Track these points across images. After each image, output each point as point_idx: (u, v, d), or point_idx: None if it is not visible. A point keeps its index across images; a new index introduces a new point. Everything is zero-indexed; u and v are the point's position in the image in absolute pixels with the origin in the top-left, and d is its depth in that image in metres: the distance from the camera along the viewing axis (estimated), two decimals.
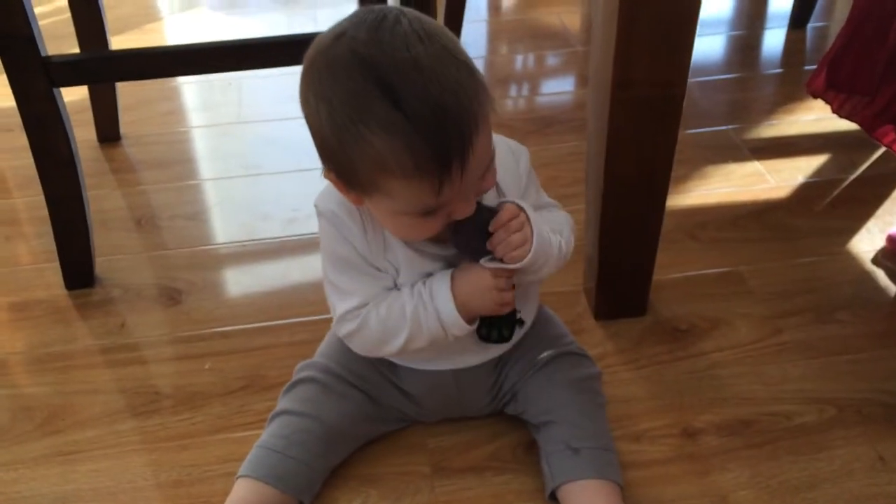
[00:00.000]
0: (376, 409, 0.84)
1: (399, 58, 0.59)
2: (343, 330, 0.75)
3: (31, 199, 1.24)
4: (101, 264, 1.11)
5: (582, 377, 0.83)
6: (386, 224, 0.69)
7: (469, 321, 0.72)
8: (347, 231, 0.72)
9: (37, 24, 0.92)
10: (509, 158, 0.75)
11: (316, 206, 0.74)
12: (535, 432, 0.83)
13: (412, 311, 0.71)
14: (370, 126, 0.59)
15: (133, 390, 0.94)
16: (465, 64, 0.62)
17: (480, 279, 0.70)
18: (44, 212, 1.03)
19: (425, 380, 0.83)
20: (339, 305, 0.74)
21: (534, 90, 1.59)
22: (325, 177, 0.68)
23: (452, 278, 0.71)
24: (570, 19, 1.78)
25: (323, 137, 0.63)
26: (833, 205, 1.20)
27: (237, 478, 0.77)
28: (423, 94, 0.58)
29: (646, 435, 0.86)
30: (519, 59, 1.69)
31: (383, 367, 0.83)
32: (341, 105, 0.60)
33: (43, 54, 0.92)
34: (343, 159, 0.63)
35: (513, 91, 1.57)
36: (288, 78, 1.63)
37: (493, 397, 0.85)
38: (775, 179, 1.25)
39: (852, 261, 1.09)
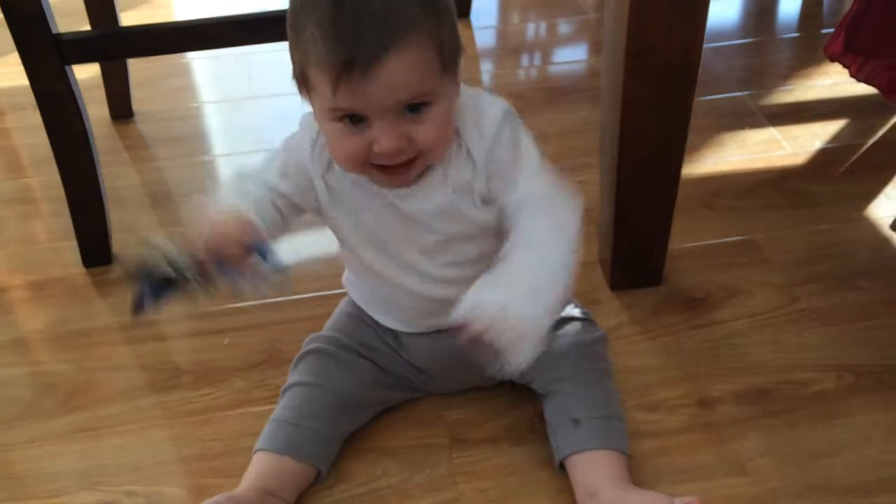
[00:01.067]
0: (385, 376, 0.84)
1: None
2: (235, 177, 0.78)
3: (46, 178, 1.25)
4: (117, 241, 1.11)
5: (584, 342, 0.82)
6: (324, 135, 0.70)
7: None
8: (303, 139, 0.74)
9: (47, 2, 0.91)
10: (473, 118, 0.71)
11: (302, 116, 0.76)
12: (543, 401, 0.83)
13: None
14: (309, 18, 0.62)
15: (153, 366, 0.95)
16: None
17: (219, 221, 0.68)
18: (59, 191, 1.04)
19: (427, 349, 0.83)
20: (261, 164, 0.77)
21: (546, 59, 1.57)
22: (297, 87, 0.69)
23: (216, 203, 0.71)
24: None
25: (289, 39, 0.66)
26: (851, 170, 1.18)
27: (254, 451, 0.79)
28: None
29: (662, 405, 0.86)
30: (531, 27, 1.67)
31: (388, 338, 0.84)
32: (300, 3, 0.64)
33: (54, 31, 0.92)
34: (294, 53, 0.66)
35: (525, 61, 1.55)
36: None
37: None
38: (791, 146, 1.23)
39: (870, 227, 1.08)
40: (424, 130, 0.65)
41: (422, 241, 0.75)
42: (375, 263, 0.77)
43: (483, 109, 0.71)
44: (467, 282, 0.68)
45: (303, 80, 0.66)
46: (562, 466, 0.78)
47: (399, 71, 0.61)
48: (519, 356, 0.61)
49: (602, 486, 0.74)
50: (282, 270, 0.69)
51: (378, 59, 0.60)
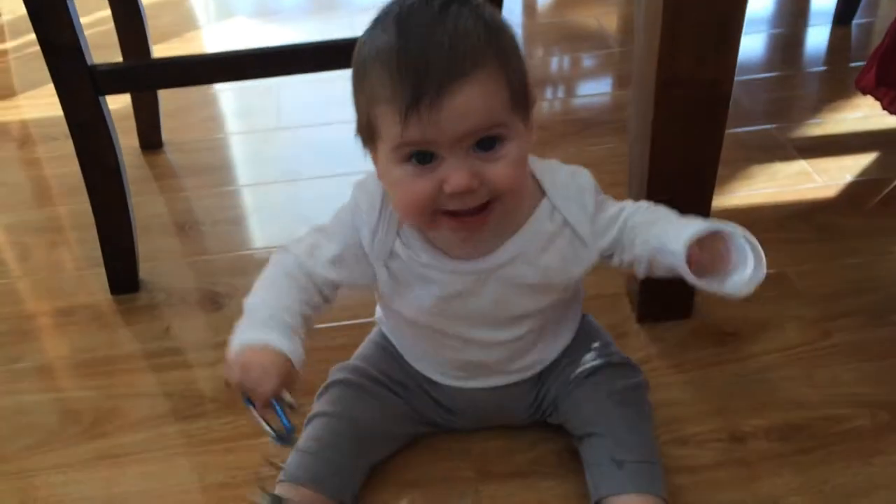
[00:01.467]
0: (412, 412, 0.83)
1: (429, 9, 0.61)
2: (279, 252, 0.76)
3: (74, 207, 1.26)
4: (144, 269, 1.12)
5: (626, 387, 0.81)
6: (388, 188, 0.69)
7: None
8: (360, 220, 0.72)
9: (83, 34, 0.93)
10: (569, 189, 0.72)
11: (354, 184, 0.75)
12: (577, 443, 0.81)
13: (250, 304, 0.72)
14: (375, 58, 0.62)
15: (178, 394, 0.94)
16: (491, 24, 0.62)
17: (256, 363, 0.67)
18: (87, 218, 1.05)
19: (463, 396, 0.82)
20: (303, 251, 0.74)
21: (570, 92, 1.58)
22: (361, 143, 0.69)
23: (252, 341, 0.68)
24: (606, 20, 1.77)
25: (353, 89, 0.66)
26: (883, 204, 1.17)
27: (277, 482, 0.77)
28: (423, 30, 0.60)
29: (693, 439, 0.85)
30: (555, 61, 1.68)
31: (421, 380, 0.83)
32: (363, 47, 0.64)
33: (89, 63, 0.94)
34: (357, 102, 0.66)
35: (549, 93, 1.56)
36: (325, 83, 1.64)
37: (534, 410, 0.84)
38: (822, 179, 1.22)
39: None
40: (496, 168, 0.63)
41: (496, 316, 0.74)
42: (431, 330, 0.77)
43: (577, 179, 0.73)
44: (521, 341, 0.77)
45: (368, 127, 0.65)
46: None
47: (470, 98, 0.60)
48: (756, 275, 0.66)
49: None
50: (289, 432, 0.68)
51: (448, 87, 0.59)
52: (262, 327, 0.69)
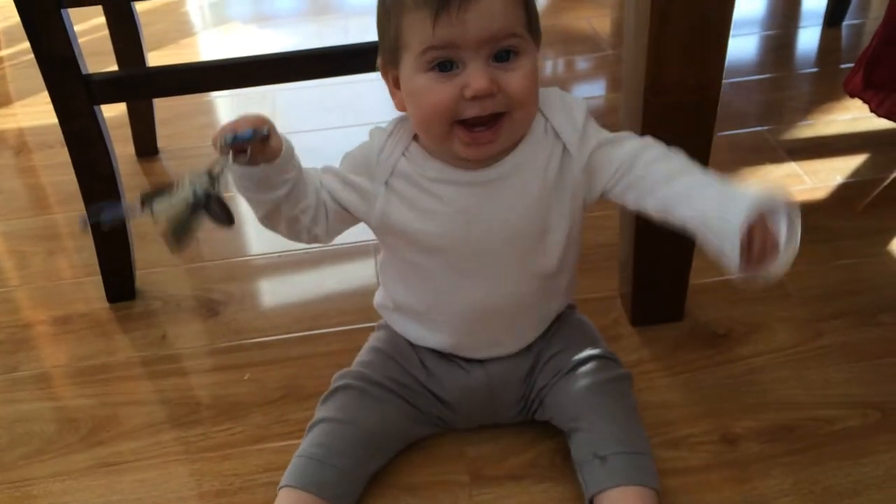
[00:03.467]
0: (414, 412, 0.84)
1: None
2: None
3: (71, 215, 1.27)
4: (140, 277, 1.13)
5: (607, 379, 0.82)
6: (409, 104, 0.71)
7: None
8: (369, 147, 0.76)
9: (77, 43, 0.94)
10: (560, 104, 0.76)
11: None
12: (567, 439, 0.82)
13: None
14: None
15: (175, 401, 0.95)
16: None
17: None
18: None
19: (459, 384, 0.83)
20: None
21: None
22: (380, 71, 0.74)
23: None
24: (600, 23, 1.78)
25: (378, 17, 0.72)
26: (872, 205, 1.18)
27: (280, 488, 0.78)
28: None
29: (685, 441, 0.86)
30: (549, 64, 1.69)
31: (417, 372, 0.84)
32: None
33: (84, 72, 0.94)
34: (383, 25, 0.71)
35: None
36: (321, 90, 1.65)
37: (524, 404, 0.85)
38: (812, 180, 1.23)
39: (893, 262, 1.07)
40: (514, 78, 0.68)
41: (505, 232, 0.75)
42: (440, 268, 0.77)
43: (571, 99, 0.76)
44: (533, 296, 0.79)
45: (395, 43, 0.69)
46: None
47: (494, 8, 0.66)
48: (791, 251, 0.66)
49: None
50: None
51: None
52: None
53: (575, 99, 0.77)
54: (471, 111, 0.68)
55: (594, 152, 0.75)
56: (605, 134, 0.77)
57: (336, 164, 0.79)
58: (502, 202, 0.75)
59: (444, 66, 0.68)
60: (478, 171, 0.74)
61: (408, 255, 0.78)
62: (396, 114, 0.77)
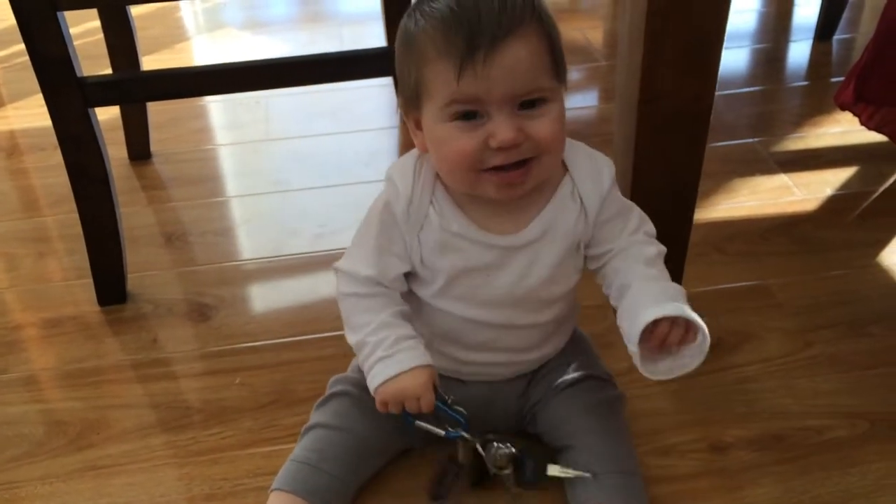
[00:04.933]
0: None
1: None
2: (337, 279, 0.78)
3: (62, 217, 1.27)
4: (132, 280, 1.13)
5: (602, 401, 0.82)
6: (432, 151, 0.70)
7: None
8: (395, 195, 0.73)
9: (72, 46, 0.94)
10: (589, 165, 0.75)
11: (386, 172, 0.77)
12: (556, 456, 0.82)
13: (357, 341, 0.75)
14: (426, 21, 0.66)
15: (165, 405, 0.95)
16: None
17: (408, 390, 0.73)
18: (75, 229, 1.05)
19: (457, 395, 0.82)
20: (347, 260, 0.77)
21: None
22: (401, 110, 0.73)
23: (392, 375, 0.72)
24: (593, 34, 1.79)
25: (397, 58, 0.70)
26: (862, 217, 1.19)
27: (271, 491, 0.78)
28: None
29: (674, 449, 0.86)
30: None
31: None
32: (411, 17, 0.69)
33: (79, 75, 0.94)
34: (403, 70, 0.69)
35: None
36: (314, 95, 1.66)
37: (518, 416, 0.85)
38: (803, 192, 1.24)
39: (883, 273, 1.08)
40: (540, 125, 0.67)
41: (522, 290, 0.75)
42: (449, 310, 0.77)
43: (599, 162, 0.75)
44: (538, 336, 0.80)
45: (415, 90, 0.68)
46: None
47: (521, 55, 0.64)
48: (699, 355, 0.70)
49: None
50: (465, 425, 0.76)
51: (501, 41, 0.63)
52: (387, 358, 0.73)
53: (604, 160, 0.76)
54: (496, 160, 0.67)
55: (604, 223, 0.76)
56: (621, 206, 0.77)
57: (329, 170, 0.78)
58: (527, 264, 0.75)
59: (469, 115, 0.66)
60: (505, 236, 0.73)
61: (428, 298, 0.78)
62: (385, 124, 0.77)
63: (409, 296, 0.79)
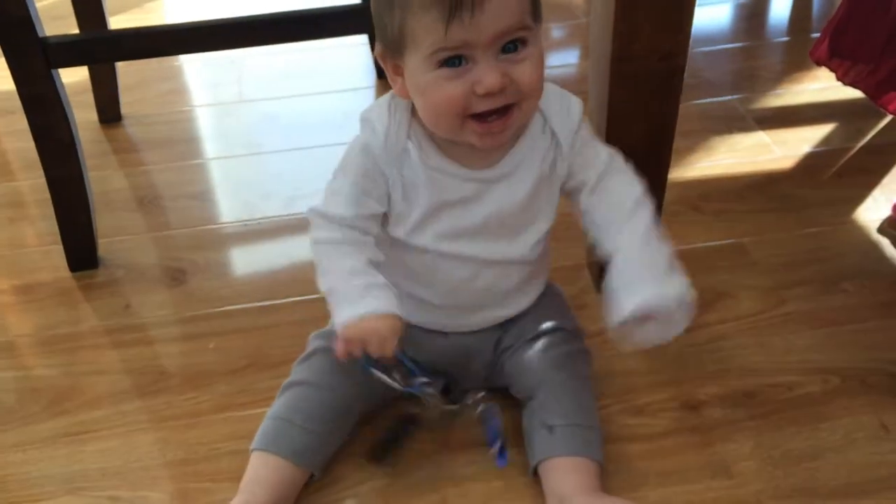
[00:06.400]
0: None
1: None
2: (312, 224, 0.77)
3: (34, 182, 1.24)
4: (104, 245, 1.11)
5: (564, 353, 0.82)
6: (416, 97, 0.70)
7: None
8: (371, 134, 0.74)
9: (34, 5, 0.91)
10: (558, 101, 0.76)
11: (360, 114, 0.77)
12: (521, 409, 0.83)
13: (328, 287, 0.75)
14: None
15: (139, 370, 0.94)
16: None
17: (372, 331, 0.72)
18: (47, 194, 1.04)
19: (436, 349, 0.83)
20: (323, 203, 0.76)
21: None
22: (377, 57, 0.73)
23: (359, 314, 0.72)
24: None
25: (377, 4, 0.70)
26: (839, 174, 1.19)
27: (251, 451, 0.78)
28: None
29: (647, 408, 0.86)
30: None
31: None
32: None
33: (40, 35, 0.92)
34: (384, 17, 0.69)
35: None
36: (289, 55, 1.63)
37: (492, 367, 0.86)
38: (781, 150, 1.24)
39: (858, 230, 1.08)
40: (524, 69, 0.67)
41: (497, 221, 0.76)
42: (427, 247, 0.77)
43: (568, 99, 0.77)
44: (515, 278, 0.81)
45: (398, 39, 0.68)
46: (536, 473, 0.78)
47: (503, 5, 0.65)
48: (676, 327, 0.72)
49: (571, 494, 0.74)
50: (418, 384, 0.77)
51: None
52: (356, 300, 0.72)
53: (573, 98, 0.77)
54: (482, 106, 0.68)
55: (577, 154, 0.77)
56: (590, 138, 0.78)
57: (303, 132, 0.78)
58: (500, 196, 0.75)
59: (453, 61, 0.66)
60: (480, 170, 0.75)
61: (405, 237, 0.78)
62: (360, 85, 0.76)
63: (383, 241, 0.79)
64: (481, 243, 0.77)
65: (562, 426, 0.77)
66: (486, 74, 0.66)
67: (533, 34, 0.68)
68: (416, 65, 0.68)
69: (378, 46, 0.72)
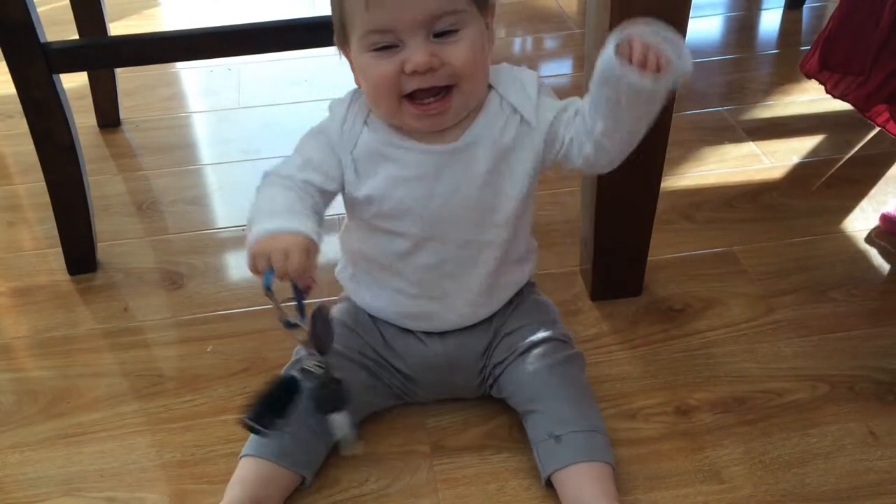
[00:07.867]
0: (376, 383, 0.85)
1: None
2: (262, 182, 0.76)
3: (33, 185, 1.25)
4: (102, 249, 1.12)
5: (560, 360, 0.83)
6: (361, 82, 0.74)
7: None
8: (330, 119, 0.77)
9: (35, 11, 0.92)
10: (510, 78, 0.77)
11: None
12: (522, 419, 0.84)
13: (250, 216, 0.72)
14: None
15: (136, 373, 0.95)
16: None
17: (279, 246, 0.68)
18: (46, 198, 1.04)
19: (418, 357, 0.84)
20: (276, 167, 0.76)
21: None
22: (337, 47, 0.75)
23: (269, 231, 0.68)
24: (566, 2, 1.78)
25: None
26: (827, 185, 1.21)
27: (241, 457, 0.79)
28: None
29: (640, 413, 0.88)
30: (517, 42, 1.69)
31: (379, 347, 0.85)
32: None
33: (42, 40, 0.93)
34: (331, 3, 0.72)
35: None
36: (286, 63, 1.64)
37: (482, 379, 0.86)
38: (770, 160, 1.26)
39: (846, 240, 1.10)
40: (455, 50, 0.69)
41: (461, 199, 0.76)
42: (400, 231, 0.78)
43: (520, 73, 0.77)
44: (488, 262, 0.80)
45: (341, 26, 0.72)
46: (549, 484, 0.78)
47: None
48: (687, 59, 0.68)
49: (590, 501, 0.74)
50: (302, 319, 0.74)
51: None
52: (275, 217, 0.70)
53: (525, 71, 0.78)
54: (412, 85, 0.69)
55: (554, 121, 0.76)
56: (560, 102, 0.77)
57: (297, 132, 0.79)
58: (460, 172, 0.76)
59: (386, 48, 0.69)
60: (436, 144, 0.75)
61: (371, 219, 0.79)
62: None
63: (351, 227, 0.82)
64: (446, 224, 0.77)
65: (567, 434, 0.77)
66: (413, 53, 0.68)
67: (468, 17, 0.69)
68: (355, 49, 0.71)
69: (335, 38, 0.75)
